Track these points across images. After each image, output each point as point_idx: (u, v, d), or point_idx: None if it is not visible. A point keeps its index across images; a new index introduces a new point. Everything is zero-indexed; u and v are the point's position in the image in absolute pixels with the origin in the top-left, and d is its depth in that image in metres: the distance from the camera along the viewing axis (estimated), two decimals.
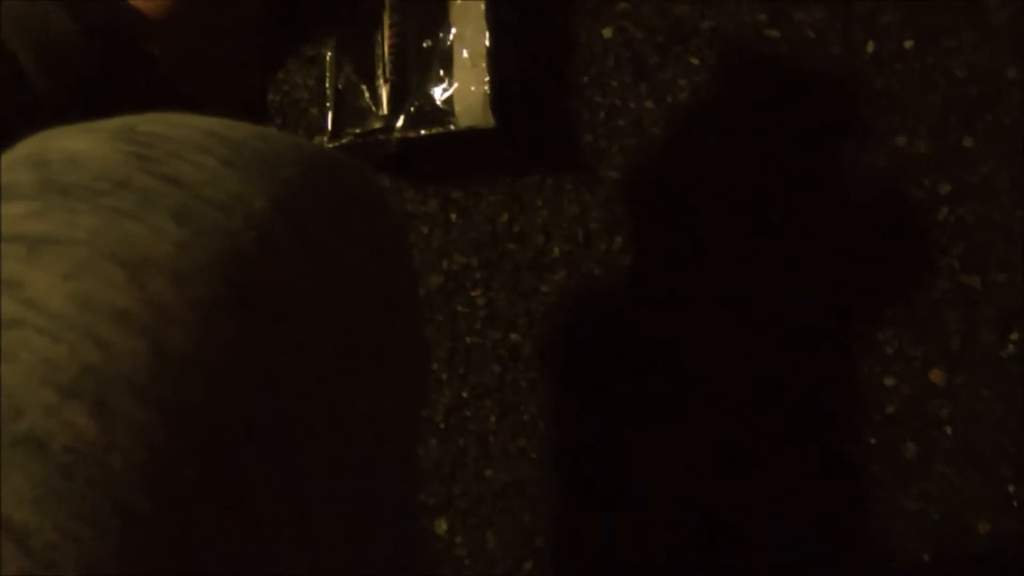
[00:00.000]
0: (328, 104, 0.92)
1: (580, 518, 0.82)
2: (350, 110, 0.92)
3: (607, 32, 0.89)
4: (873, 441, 0.77)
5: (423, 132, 0.87)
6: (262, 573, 0.31)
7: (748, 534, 0.78)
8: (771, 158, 0.84)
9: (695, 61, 0.86)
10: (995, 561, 0.73)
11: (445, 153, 0.90)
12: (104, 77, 0.54)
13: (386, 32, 0.90)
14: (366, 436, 0.38)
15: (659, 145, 0.86)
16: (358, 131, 0.90)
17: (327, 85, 0.92)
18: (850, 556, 0.76)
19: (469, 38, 0.87)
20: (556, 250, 0.86)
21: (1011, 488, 0.74)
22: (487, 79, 0.86)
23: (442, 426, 0.87)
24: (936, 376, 0.77)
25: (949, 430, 0.76)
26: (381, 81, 0.91)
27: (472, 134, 0.86)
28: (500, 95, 0.86)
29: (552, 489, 0.83)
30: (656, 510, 0.80)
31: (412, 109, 0.89)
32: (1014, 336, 0.77)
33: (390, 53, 0.90)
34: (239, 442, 0.31)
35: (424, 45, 0.89)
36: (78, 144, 0.35)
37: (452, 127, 0.86)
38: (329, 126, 0.91)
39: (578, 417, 0.83)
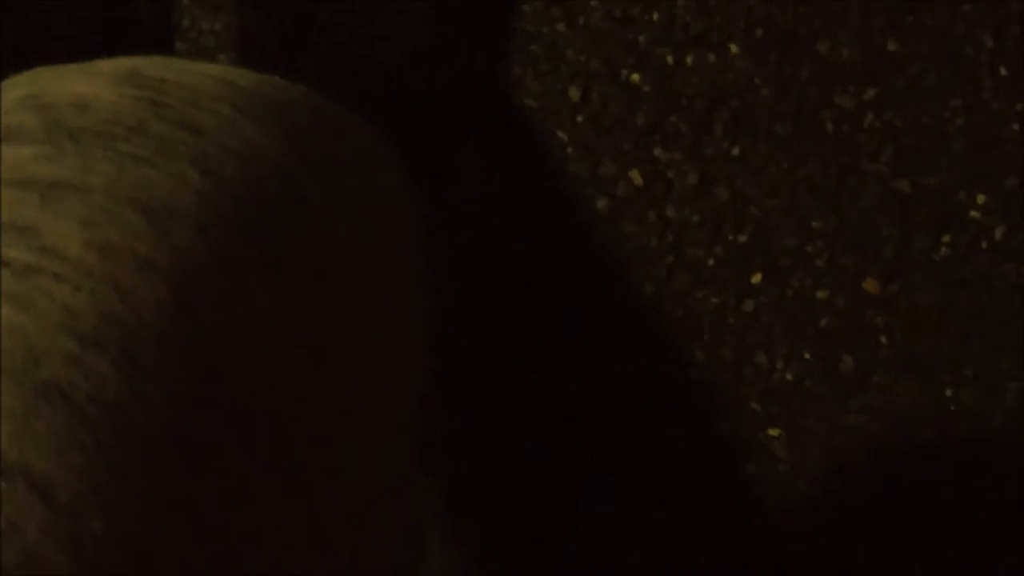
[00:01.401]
0: (232, 51, 0.88)
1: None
2: (256, 55, 0.88)
3: None
4: (808, 356, 0.74)
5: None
6: (295, 527, 0.31)
7: (675, 457, 0.75)
8: (691, 72, 0.81)
9: None
10: (940, 468, 0.71)
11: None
12: None
13: None
14: (388, 385, 0.37)
15: (574, 69, 0.83)
16: None
17: (232, 30, 0.89)
18: (792, 476, 0.73)
19: None
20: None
21: (949, 392, 0.71)
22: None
23: None
24: (870, 285, 0.75)
25: (885, 339, 0.73)
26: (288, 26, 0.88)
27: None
28: (409, 29, 0.83)
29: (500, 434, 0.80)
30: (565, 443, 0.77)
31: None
32: (947, 239, 0.74)
33: None
34: (268, 392, 0.31)
35: None
36: (83, 87, 0.34)
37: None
38: None
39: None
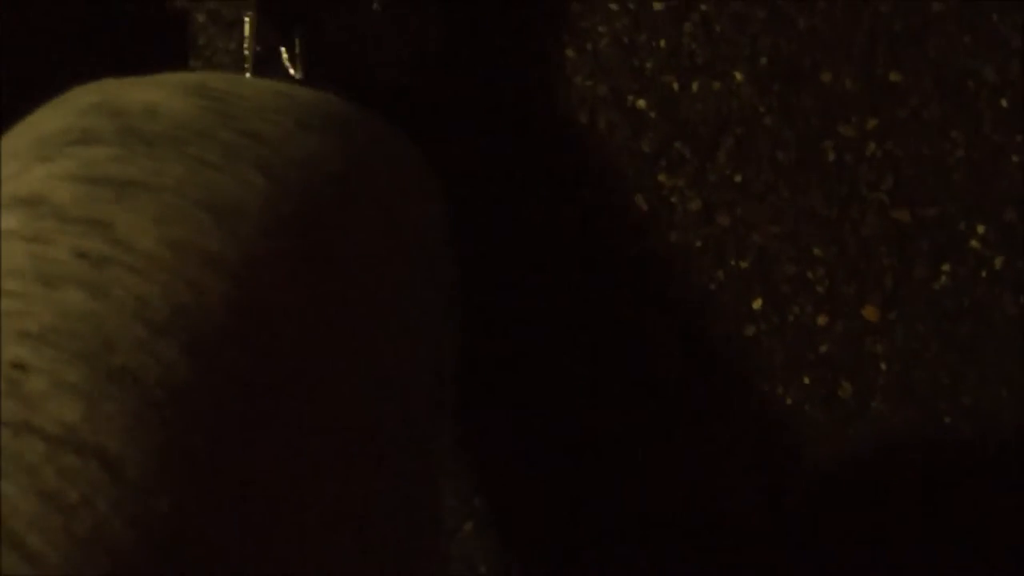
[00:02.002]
0: (246, 66, 0.90)
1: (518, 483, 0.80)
2: (269, 74, 0.90)
3: None
4: (807, 381, 0.75)
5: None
6: (342, 513, 0.32)
7: (671, 479, 0.76)
8: (696, 99, 0.82)
9: (614, 7, 0.84)
10: (936, 497, 0.71)
11: None
12: None
13: None
14: (423, 387, 0.40)
15: (581, 94, 0.84)
16: None
17: (245, 48, 0.90)
18: (787, 502, 0.74)
19: None
20: None
21: (948, 421, 0.72)
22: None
23: None
24: (870, 313, 0.75)
25: (884, 367, 0.74)
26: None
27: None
28: (418, 55, 0.84)
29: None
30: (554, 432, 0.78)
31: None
32: (946, 268, 0.75)
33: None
34: (320, 379, 0.32)
35: None
36: (152, 95, 0.36)
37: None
38: None
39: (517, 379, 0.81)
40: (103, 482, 0.27)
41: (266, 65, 0.90)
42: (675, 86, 0.83)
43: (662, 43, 0.84)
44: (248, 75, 0.89)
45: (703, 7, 0.83)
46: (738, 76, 0.82)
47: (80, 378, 0.28)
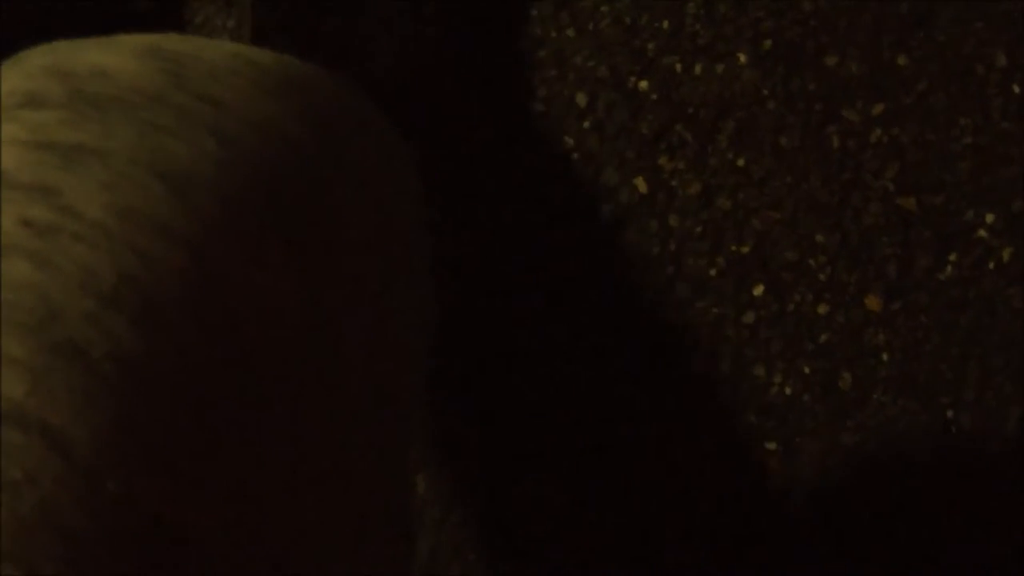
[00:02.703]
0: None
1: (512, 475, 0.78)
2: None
3: None
4: (807, 371, 0.73)
5: None
6: (301, 495, 0.31)
7: (668, 467, 0.74)
8: (698, 82, 0.80)
9: None
10: (936, 491, 0.70)
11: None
12: None
13: None
14: (391, 362, 0.38)
15: (582, 75, 0.83)
16: None
17: (244, 26, 0.89)
18: (786, 491, 0.72)
19: None
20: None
21: (950, 414, 0.70)
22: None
23: None
24: (872, 303, 0.74)
25: (886, 357, 0.72)
26: None
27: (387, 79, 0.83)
28: (416, 41, 0.83)
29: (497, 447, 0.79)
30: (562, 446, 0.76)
31: None
32: (952, 258, 0.73)
33: None
34: (279, 356, 0.31)
35: None
36: (104, 57, 0.35)
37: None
38: None
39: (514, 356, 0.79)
40: (49, 460, 0.26)
41: (264, 44, 0.88)
42: (677, 68, 0.81)
43: (664, 24, 0.82)
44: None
45: None
46: (741, 58, 0.80)
47: (23, 352, 0.27)
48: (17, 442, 0.26)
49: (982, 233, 0.74)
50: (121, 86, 0.34)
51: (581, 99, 0.82)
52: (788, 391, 0.74)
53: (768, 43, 0.80)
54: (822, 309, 0.74)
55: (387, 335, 0.38)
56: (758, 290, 0.76)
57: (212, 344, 0.30)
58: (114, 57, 0.35)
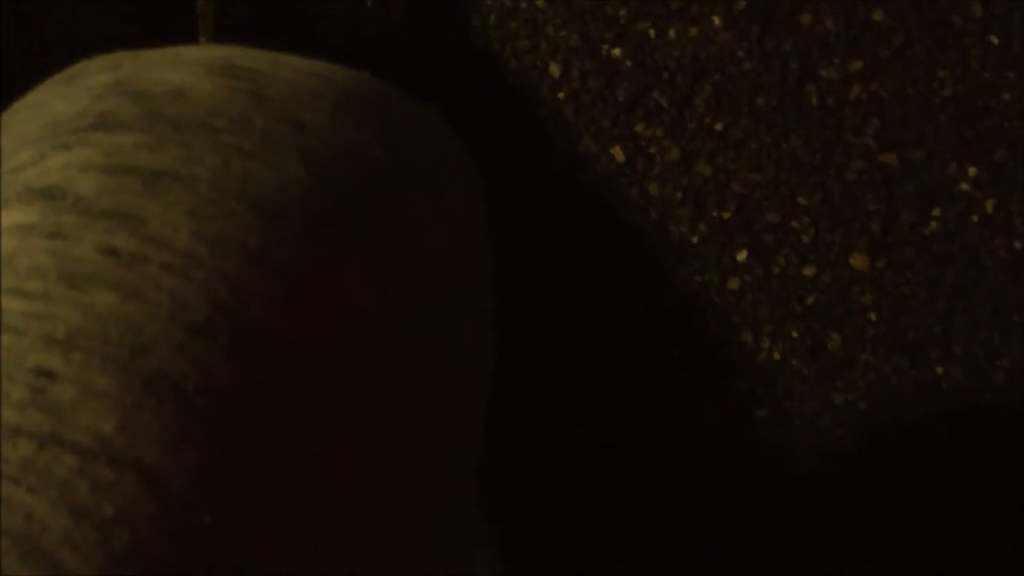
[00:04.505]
0: (201, 40, 0.87)
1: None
2: (230, 39, 0.87)
3: None
4: (795, 335, 0.73)
5: None
6: (381, 528, 0.31)
7: (657, 438, 0.74)
8: (672, 46, 0.79)
9: None
10: (929, 448, 0.69)
11: None
12: None
13: None
14: (471, 379, 0.38)
15: (554, 44, 0.81)
16: None
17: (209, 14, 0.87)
18: (778, 457, 0.72)
19: None
20: None
21: (940, 371, 0.70)
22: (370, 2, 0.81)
23: None
24: (857, 261, 0.73)
25: (874, 316, 0.72)
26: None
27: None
28: (383, 12, 0.81)
29: None
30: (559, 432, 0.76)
31: None
32: (936, 213, 0.72)
33: None
34: (367, 384, 0.31)
35: None
36: (177, 76, 0.34)
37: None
38: None
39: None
40: (141, 496, 0.25)
41: (228, 34, 0.87)
42: (651, 33, 0.80)
43: None
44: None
45: None
46: (715, 21, 0.79)
47: (112, 385, 0.26)
48: (108, 479, 0.25)
49: (965, 186, 0.73)
50: (200, 107, 0.32)
51: (555, 69, 0.81)
52: (776, 356, 0.73)
53: (742, 4, 0.78)
54: (808, 271, 0.74)
55: (471, 362, 0.38)
56: (742, 255, 0.75)
57: (303, 374, 0.29)
58: (187, 75, 0.33)
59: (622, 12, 0.81)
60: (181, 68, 0.34)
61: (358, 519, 0.30)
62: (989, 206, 0.73)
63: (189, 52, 0.35)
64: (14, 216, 0.29)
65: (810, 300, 0.73)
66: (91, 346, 0.27)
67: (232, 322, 0.28)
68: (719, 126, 0.77)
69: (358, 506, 0.30)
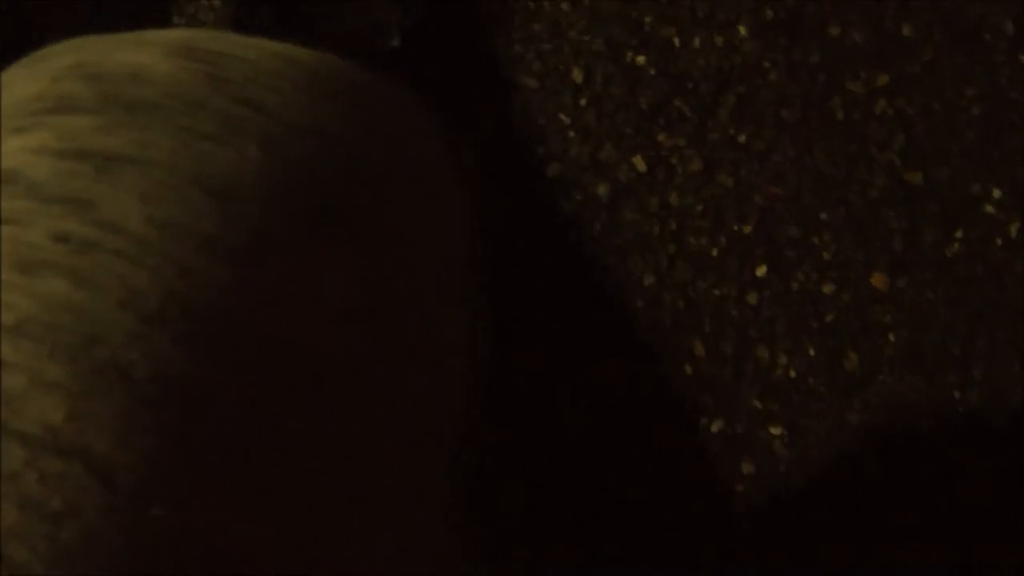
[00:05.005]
0: (230, 26, 0.86)
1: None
2: (254, 32, 0.86)
3: None
4: (812, 352, 0.72)
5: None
6: (353, 513, 0.30)
7: (671, 452, 0.73)
8: (697, 54, 0.78)
9: None
10: (943, 471, 0.68)
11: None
12: None
13: None
14: (443, 358, 0.37)
15: (577, 49, 0.80)
16: None
17: (228, 6, 0.86)
18: (792, 475, 0.71)
19: None
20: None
21: (957, 394, 0.69)
22: None
23: None
24: (878, 280, 0.72)
25: (892, 336, 0.71)
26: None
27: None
28: (407, 10, 0.81)
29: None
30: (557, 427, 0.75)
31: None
32: (959, 234, 0.71)
33: None
34: (332, 367, 0.30)
35: None
36: (136, 58, 0.33)
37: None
38: None
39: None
40: (90, 488, 0.25)
41: (245, 26, 0.86)
42: (675, 41, 0.79)
43: None
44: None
45: None
46: (741, 30, 0.78)
47: (63, 375, 0.26)
48: (56, 470, 0.25)
49: (989, 208, 0.72)
50: (157, 89, 0.32)
51: (577, 74, 0.80)
52: (793, 373, 0.72)
53: (769, 13, 0.78)
54: (827, 288, 0.73)
55: (441, 339, 0.37)
56: (761, 269, 0.74)
57: (258, 361, 0.28)
58: (147, 57, 0.33)
59: (647, 18, 0.80)
60: (142, 50, 0.33)
61: (323, 511, 0.29)
62: (1013, 229, 0.72)
63: (153, 34, 0.35)
64: None
65: (829, 317, 0.72)
66: (41, 334, 0.26)
67: (184, 309, 0.27)
68: (742, 137, 0.76)
69: (323, 497, 0.29)
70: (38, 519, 0.24)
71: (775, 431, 0.72)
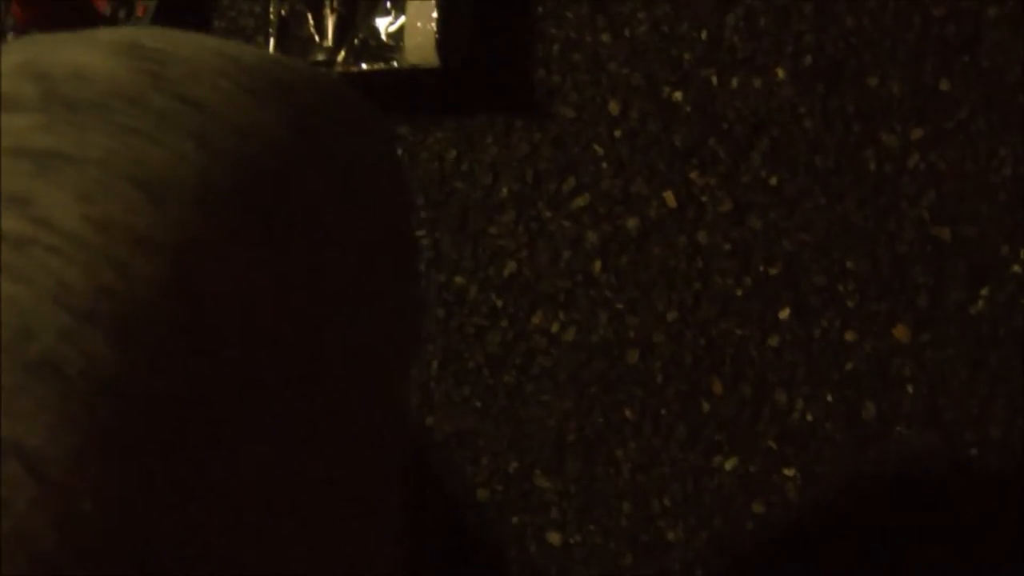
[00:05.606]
0: (271, 31, 0.87)
1: (525, 472, 0.78)
2: (293, 39, 0.87)
3: None
4: (830, 399, 0.72)
5: (365, 67, 0.83)
6: (287, 510, 0.30)
7: (684, 490, 0.74)
8: (734, 95, 0.79)
9: None
10: (956, 530, 0.69)
11: (391, 88, 0.85)
12: None
13: None
14: (381, 363, 0.37)
15: (615, 82, 0.81)
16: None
17: (271, 12, 0.87)
18: (803, 520, 0.72)
19: None
20: (504, 190, 0.81)
21: (974, 452, 0.69)
22: (435, 15, 0.81)
23: None
24: (900, 333, 0.72)
25: (911, 390, 0.71)
26: (328, 11, 0.86)
27: (417, 71, 0.82)
28: (449, 32, 0.81)
29: (496, 441, 0.78)
30: (597, 454, 0.76)
31: (356, 42, 0.84)
32: (984, 293, 0.72)
33: None
34: (264, 366, 0.30)
35: None
36: (81, 57, 0.33)
37: (396, 64, 0.82)
38: None
39: (525, 366, 0.78)
40: (22, 482, 0.25)
41: (290, 30, 0.87)
42: (713, 80, 0.80)
43: (703, 34, 0.80)
44: (271, 41, 0.86)
45: None
46: (780, 73, 0.79)
47: None
48: None
49: (1016, 268, 0.72)
50: (97, 88, 0.32)
51: (614, 107, 0.81)
52: (810, 418, 0.73)
53: (808, 59, 0.78)
54: (849, 336, 0.73)
55: (374, 338, 0.37)
56: (784, 313, 0.75)
57: (191, 358, 0.28)
58: (92, 56, 0.33)
59: (687, 56, 0.80)
60: (87, 49, 0.34)
61: (258, 507, 0.29)
62: None
63: (102, 33, 0.35)
64: None
65: (849, 366, 0.73)
66: None
67: (116, 305, 0.28)
68: (774, 181, 0.77)
69: (257, 492, 0.30)
70: None
71: (789, 473, 0.72)
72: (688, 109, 0.79)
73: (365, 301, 0.36)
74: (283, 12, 0.87)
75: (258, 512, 0.29)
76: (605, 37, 0.82)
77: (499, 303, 0.80)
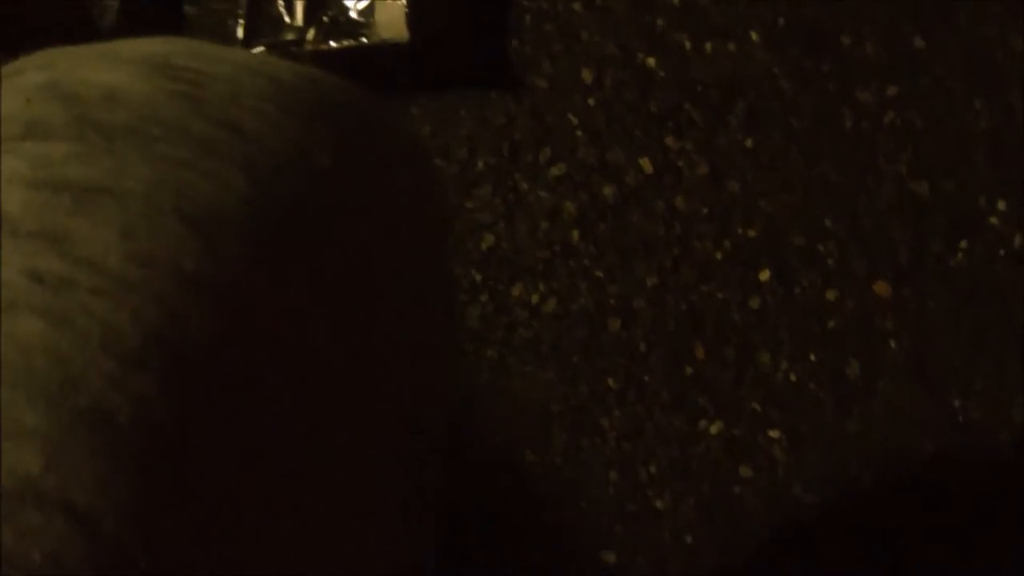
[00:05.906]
0: (240, 12, 0.86)
1: (511, 446, 0.77)
2: (265, 19, 0.86)
3: None
4: (814, 358, 0.72)
5: (334, 45, 0.82)
6: (333, 552, 0.29)
7: (670, 454, 0.73)
8: (708, 60, 0.78)
9: None
10: (941, 482, 0.68)
11: (361, 66, 0.84)
12: None
13: None
14: (419, 389, 0.36)
15: (589, 50, 0.81)
16: (268, 42, 0.84)
17: None
18: (789, 480, 0.71)
19: None
20: (480, 163, 0.81)
21: (957, 404, 0.69)
22: None
23: None
24: (881, 289, 0.72)
25: (894, 345, 0.71)
26: None
27: (389, 47, 0.81)
28: (420, 5, 0.81)
29: (480, 415, 0.77)
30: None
31: (326, 19, 0.83)
32: (963, 245, 0.72)
33: None
34: (320, 415, 0.29)
35: None
36: (110, 77, 0.31)
37: (365, 40, 0.82)
38: (239, 37, 0.85)
39: (507, 339, 0.78)
40: (72, 539, 0.23)
41: (261, 10, 0.86)
42: (687, 45, 0.79)
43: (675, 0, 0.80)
44: (240, 29, 0.85)
45: None
46: (754, 37, 0.78)
47: (40, 421, 0.24)
48: (35, 523, 0.23)
49: (993, 220, 0.72)
50: (133, 113, 0.30)
51: (587, 75, 0.80)
52: (794, 378, 0.72)
53: (782, 21, 0.78)
54: (830, 295, 0.73)
55: (422, 374, 0.36)
56: (765, 275, 0.74)
57: (243, 402, 0.27)
58: (122, 76, 0.31)
59: (659, 22, 0.80)
60: (116, 67, 0.32)
61: (305, 549, 0.28)
62: (1017, 241, 0.72)
63: (127, 48, 0.33)
64: None
65: (831, 324, 0.73)
66: (16, 379, 0.25)
67: (167, 351, 0.26)
68: (750, 143, 0.77)
69: (306, 537, 0.28)
70: (16, 573, 0.23)
71: (774, 435, 0.72)
72: (662, 75, 0.79)
73: (409, 324, 0.35)
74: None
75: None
76: (577, 6, 0.81)
77: (478, 277, 0.79)
